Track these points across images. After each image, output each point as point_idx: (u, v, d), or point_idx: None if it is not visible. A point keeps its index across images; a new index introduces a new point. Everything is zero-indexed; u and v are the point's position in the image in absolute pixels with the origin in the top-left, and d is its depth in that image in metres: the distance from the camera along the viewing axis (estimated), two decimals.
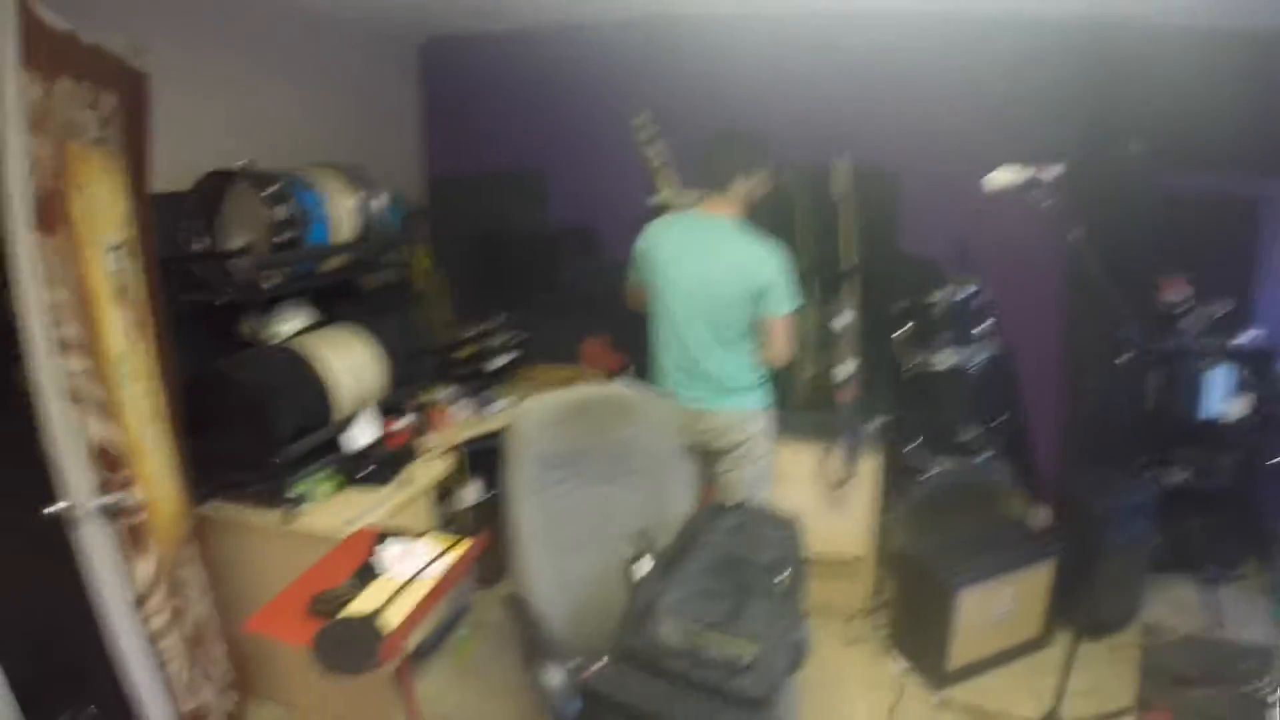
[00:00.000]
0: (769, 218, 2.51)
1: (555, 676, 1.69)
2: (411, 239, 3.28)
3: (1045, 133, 3.04)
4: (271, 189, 2.32)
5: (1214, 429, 3.17)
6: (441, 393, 3.10)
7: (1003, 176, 2.15)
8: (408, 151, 3.72)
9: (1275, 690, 2.28)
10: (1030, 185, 2.14)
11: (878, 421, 2.87)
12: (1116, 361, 2.48)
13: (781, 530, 2.05)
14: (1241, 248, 3.23)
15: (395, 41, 3.59)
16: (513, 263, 3.39)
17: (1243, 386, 3.11)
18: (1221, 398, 3.08)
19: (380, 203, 2.80)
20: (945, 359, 2.88)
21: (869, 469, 2.91)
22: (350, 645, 1.55)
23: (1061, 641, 2.83)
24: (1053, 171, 2.15)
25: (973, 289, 2.91)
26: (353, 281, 2.96)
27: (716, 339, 2.45)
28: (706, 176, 2.47)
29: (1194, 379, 3.07)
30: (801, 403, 2.93)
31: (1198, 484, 3.23)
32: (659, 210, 2.66)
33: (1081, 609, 2.84)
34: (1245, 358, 3.14)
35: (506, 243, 3.40)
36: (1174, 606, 3.14)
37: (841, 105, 3.20)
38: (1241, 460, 3.19)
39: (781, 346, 2.46)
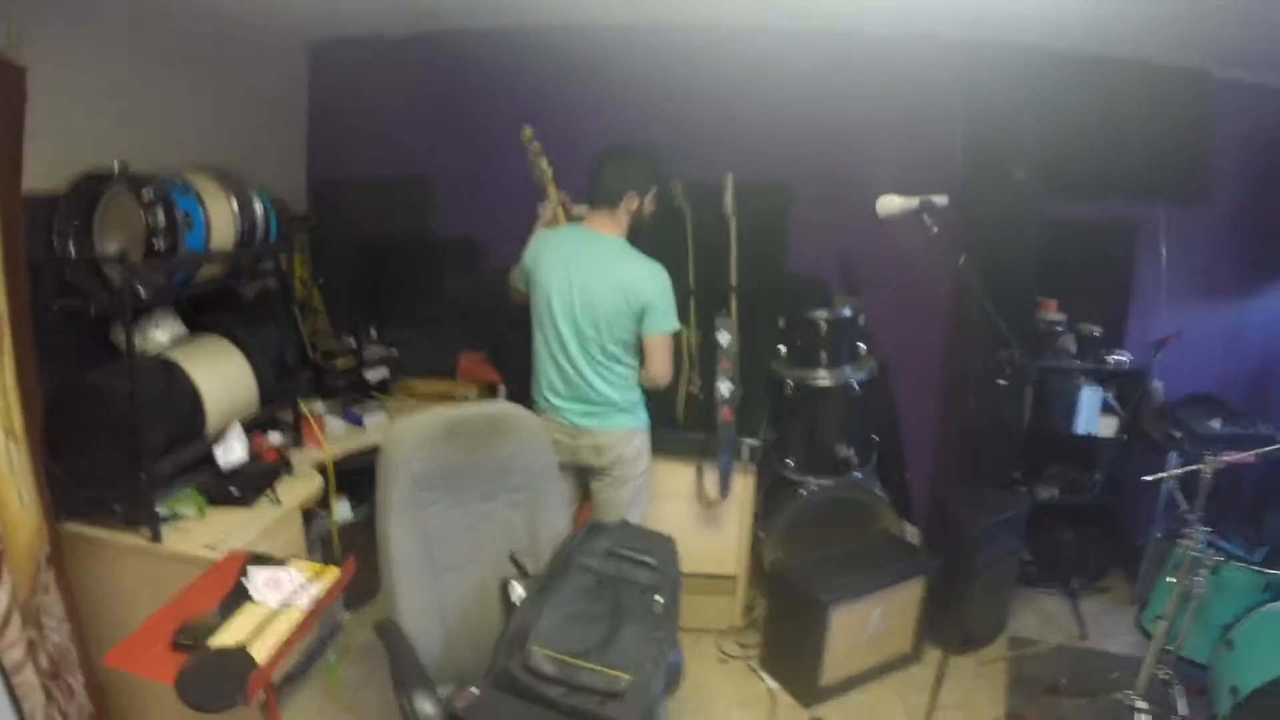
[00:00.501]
0: (659, 234, 2.50)
1: (427, 704, 1.65)
2: (291, 246, 3.16)
3: (932, 156, 3.07)
4: (148, 192, 2.20)
5: (1085, 446, 3.29)
6: (316, 406, 3.01)
7: (895, 202, 2.15)
8: (292, 155, 3.55)
9: (1140, 698, 2.36)
10: (921, 211, 2.15)
11: (756, 439, 2.87)
12: (998, 381, 2.52)
13: (658, 550, 2.05)
14: (1116, 271, 3.33)
15: (283, 40, 3.40)
16: (394, 273, 3.27)
17: (1113, 406, 3.22)
18: (1093, 416, 3.18)
19: (260, 208, 2.69)
20: (824, 377, 2.89)
21: (745, 487, 2.91)
22: (217, 680, 1.49)
23: (933, 657, 2.90)
24: (941, 199, 2.17)
25: (854, 309, 2.92)
26: (231, 290, 2.83)
27: (595, 357, 2.42)
28: (596, 193, 2.44)
29: (1068, 397, 3.17)
30: (680, 421, 2.90)
31: (1068, 499, 3.34)
32: (548, 223, 2.62)
33: (952, 624, 2.89)
34: (1115, 378, 3.25)
35: (388, 252, 3.29)
36: (1041, 618, 3.24)
37: (732, 122, 3.19)
38: (1110, 476, 3.31)
39: (660, 367, 2.45)
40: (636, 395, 2.54)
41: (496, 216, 2.85)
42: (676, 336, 2.52)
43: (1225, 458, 2.28)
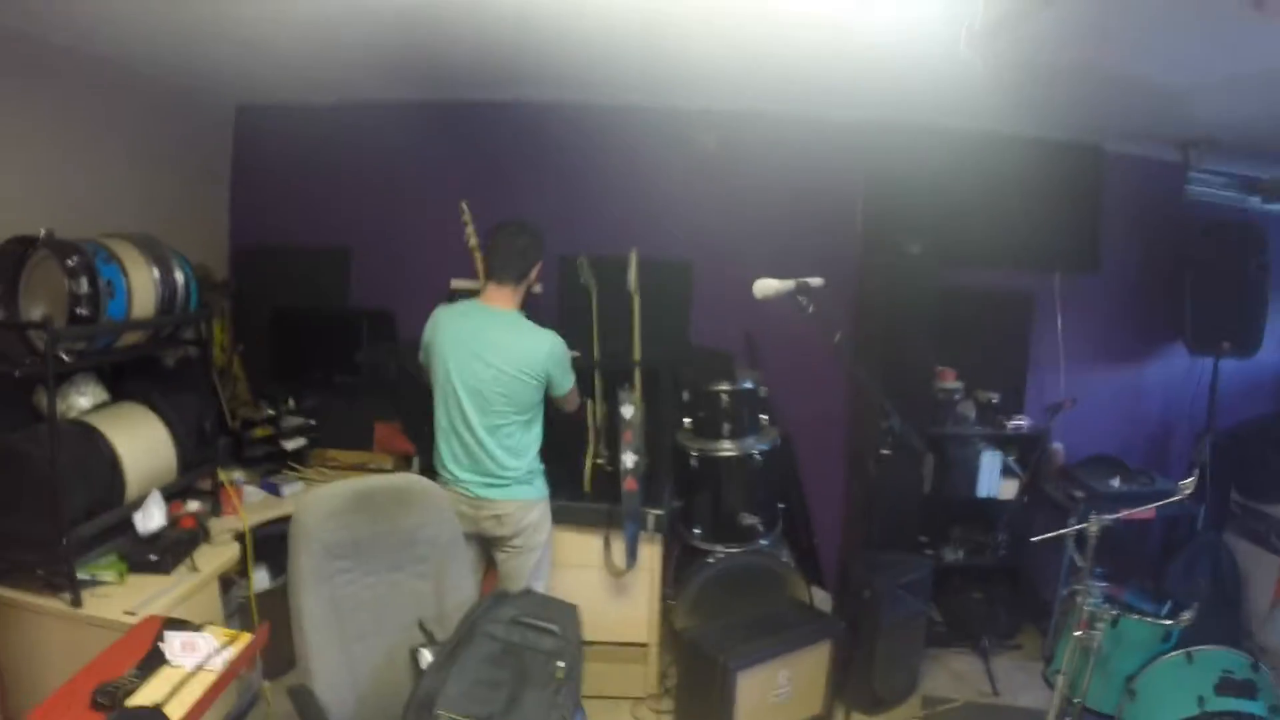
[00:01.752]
0: (565, 307, 2.56)
1: None
2: (211, 314, 3.19)
3: (832, 233, 3.19)
4: (73, 260, 2.22)
5: (988, 508, 3.38)
6: (235, 475, 3.02)
7: (769, 285, 2.23)
8: (214, 220, 3.57)
9: None
10: (796, 292, 2.23)
11: (660, 509, 2.92)
12: (882, 451, 2.60)
13: (561, 617, 2.07)
14: (1013, 339, 3.46)
15: (207, 106, 3.44)
16: (312, 341, 3.31)
17: (1013, 469, 3.33)
18: (993, 479, 3.28)
19: (181, 276, 2.73)
20: (728, 447, 2.96)
21: (652, 556, 2.94)
22: None
23: (841, 718, 2.94)
24: (817, 281, 2.25)
25: (755, 381, 3.00)
26: (152, 357, 2.85)
27: (498, 427, 2.48)
28: (501, 268, 2.51)
29: (968, 462, 3.26)
30: (586, 491, 2.96)
31: (973, 560, 3.43)
32: (461, 295, 2.70)
33: (860, 685, 2.95)
34: (1015, 442, 3.36)
35: (307, 320, 3.33)
36: (953, 677, 3.30)
37: (636, 198, 3.29)
38: (1013, 537, 3.40)
39: (571, 406, 2.69)
40: (536, 466, 2.61)
41: (411, 288, 2.91)
42: (582, 407, 2.62)
43: (1120, 514, 2.34)
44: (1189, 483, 2.23)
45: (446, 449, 2.55)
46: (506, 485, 2.52)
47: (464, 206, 2.78)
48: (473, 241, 2.75)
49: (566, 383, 2.59)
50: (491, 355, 2.45)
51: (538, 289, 2.72)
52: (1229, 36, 1.97)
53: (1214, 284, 3.39)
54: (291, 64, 2.92)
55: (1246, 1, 1.72)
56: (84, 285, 2.25)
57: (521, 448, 2.53)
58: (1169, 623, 2.53)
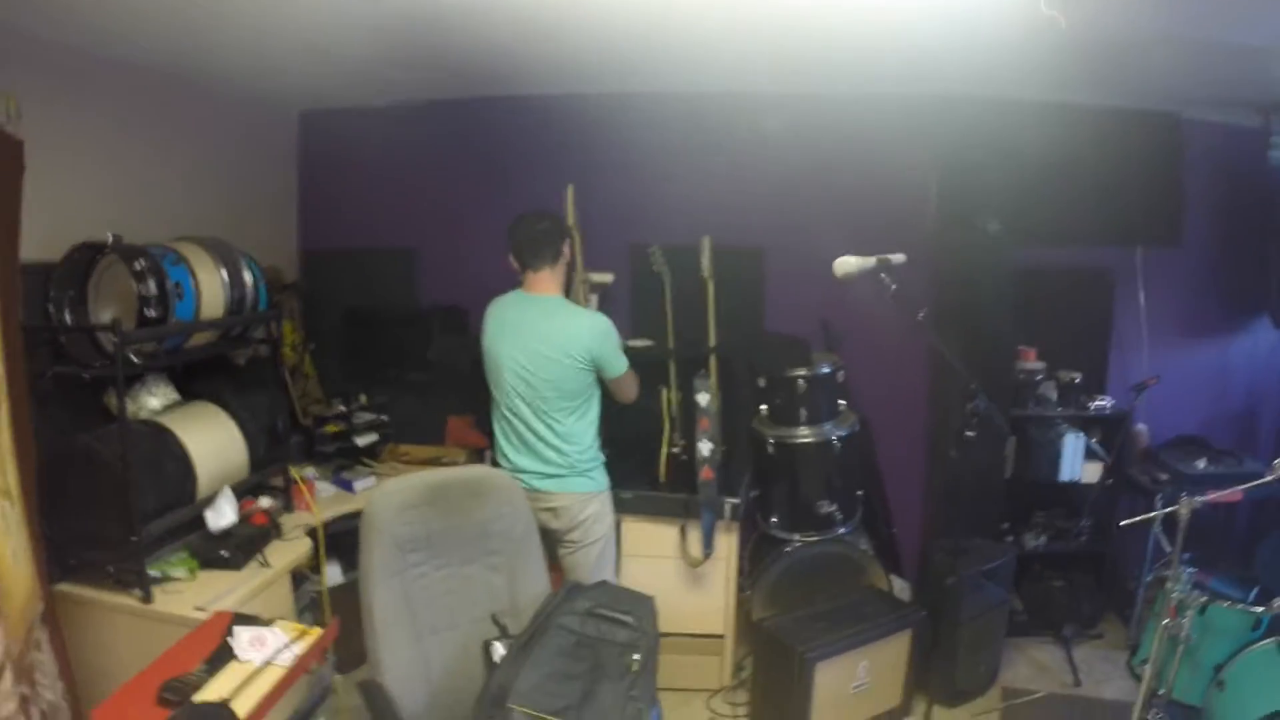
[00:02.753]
0: (639, 296, 2.53)
1: None
2: (281, 314, 3.22)
3: (905, 213, 3.12)
4: (140, 263, 2.28)
5: (1070, 493, 3.29)
6: (307, 471, 3.04)
7: (850, 263, 2.19)
8: (283, 224, 3.63)
9: None
10: (878, 270, 2.18)
11: (737, 498, 2.88)
12: (966, 434, 2.53)
13: (637, 609, 2.07)
14: (1094, 318, 3.35)
15: (272, 112, 3.50)
16: (383, 339, 3.35)
17: (1096, 451, 3.23)
18: (1076, 462, 3.18)
19: (250, 278, 2.77)
20: (805, 434, 2.91)
21: (729, 546, 2.91)
22: None
23: (924, 710, 2.87)
24: (899, 257, 2.20)
25: (832, 365, 2.94)
26: (222, 356, 2.90)
27: (550, 414, 2.47)
28: (536, 256, 2.50)
29: (1050, 445, 3.17)
30: (662, 481, 2.93)
31: (1056, 546, 3.33)
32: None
33: (941, 676, 2.89)
34: (1098, 424, 3.26)
35: (377, 319, 3.38)
36: (1034, 668, 3.21)
37: (707, 186, 3.25)
38: (1097, 522, 3.30)
39: (627, 394, 2.61)
40: (595, 455, 2.58)
41: (479, 285, 2.91)
42: (657, 396, 2.59)
43: (1208, 497, 2.26)
44: None
45: (504, 438, 2.58)
46: (563, 476, 2.51)
47: (569, 192, 2.81)
48: (571, 219, 2.78)
49: (618, 365, 2.53)
50: (534, 340, 2.45)
51: (608, 278, 2.69)
52: None
53: None
54: (351, 67, 2.93)
55: None
56: (152, 288, 2.30)
57: (575, 435, 2.51)
58: (1259, 609, 2.45)
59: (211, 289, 2.57)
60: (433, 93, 3.34)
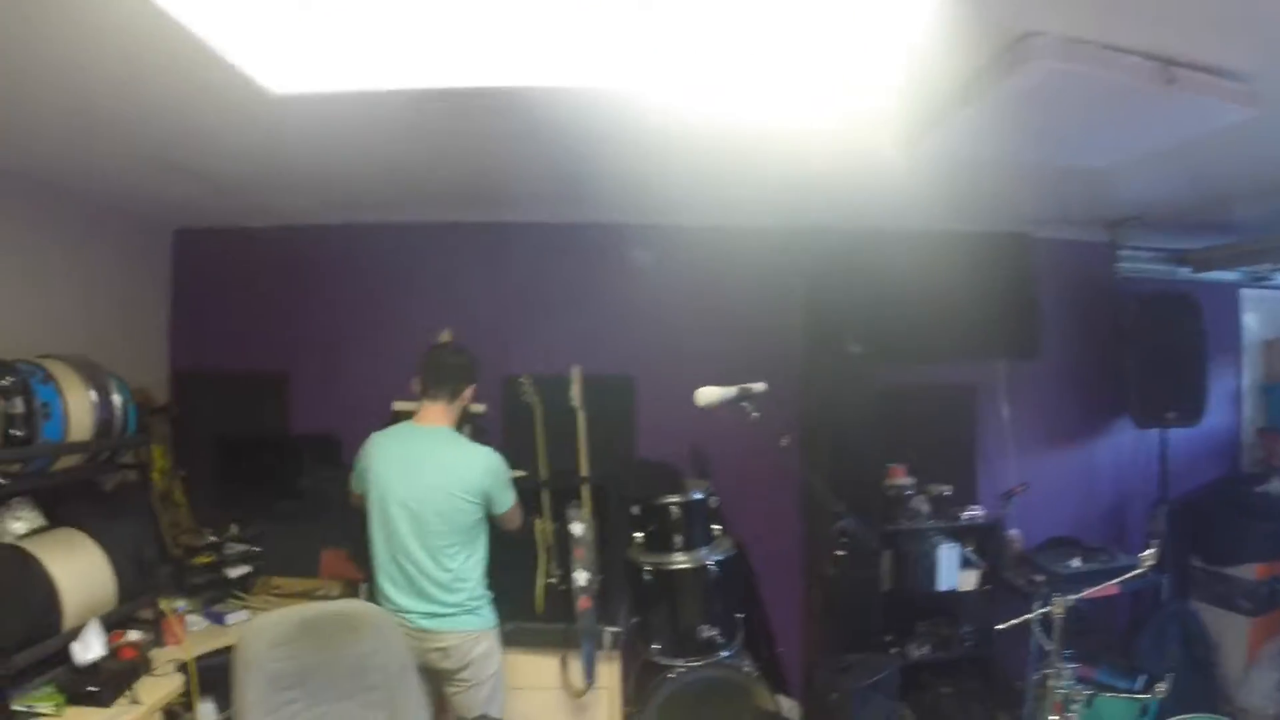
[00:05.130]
0: (509, 427, 2.54)
1: None
2: (150, 438, 3.13)
3: (772, 341, 3.24)
4: (7, 380, 2.21)
5: (950, 601, 3.35)
6: (177, 603, 2.92)
7: (712, 393, 2.23)
8: (153, 344, 3.53)
9: None
10: (740, 398, 2.23)
11: (617, 626, 2.86)
12: (836, 553, 2.57)
13: None
14: (960, 431, 3.50)
15: (146, 229, 3.45)
16: (254, 467, 3.28)
17: (971, 560, 3.31)
18: (952, 572, 3.25)
19: (119, 399, 2.68)
20: (681, 560, 2.90)
21: (611, 674, 2.87)
22: None
23: None
24: (760, 386, 2.25)
25: (704, 491, 2.96)
26: (89, 481, 2.79)
27: (434, 551, 2.41)
28: (436, 386, 2.50)
29: (925, 556, 3.24)
30: (540, 612, 2.89)
31: (940, 654, 3.37)
32: (403, 415, 2.66)
33: None
34: (971, 533, 3.35)
35: (248, 446, 3.31)
36: None
37: (577, 316, 3.33)
38: (978, 628, 3.36)
39: (512, 525, 2.61)
40: (483, 593, 2.53)
41: (353, 411, 2.89)
42: (530, 527, 2.59)
43: (1082, 594, 2.34)
44: (1150, 554, 2.24)
45: (386, 578, 2.48)
46: (451, 615, 2.44)
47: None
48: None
49: (506, 500, 2.53)
50: (427, 474, 2.41)
51: (481, 408, 2.69)
52: (1142, 117, 2.04)
53: (1154, 356, 3.47)
54: (231, 189, 2.94)
55: (1158, 78, 1.79)
56: (19, 405, 2.24)
57: (464, 574, 2.46)
58: (1145, 696, 2.55)
59: (80, 410, 2.50)
60: (309, 217, 3.35)
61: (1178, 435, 3.55)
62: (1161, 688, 2.47)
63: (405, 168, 2.66)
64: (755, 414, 2.22)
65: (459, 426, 2.58)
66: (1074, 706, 2.35)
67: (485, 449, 2.51)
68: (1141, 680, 2.97)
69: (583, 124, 2.17)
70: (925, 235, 3.24)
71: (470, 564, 2.48)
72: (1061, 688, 2.36)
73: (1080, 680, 2.45)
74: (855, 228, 3.20)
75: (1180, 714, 2.48)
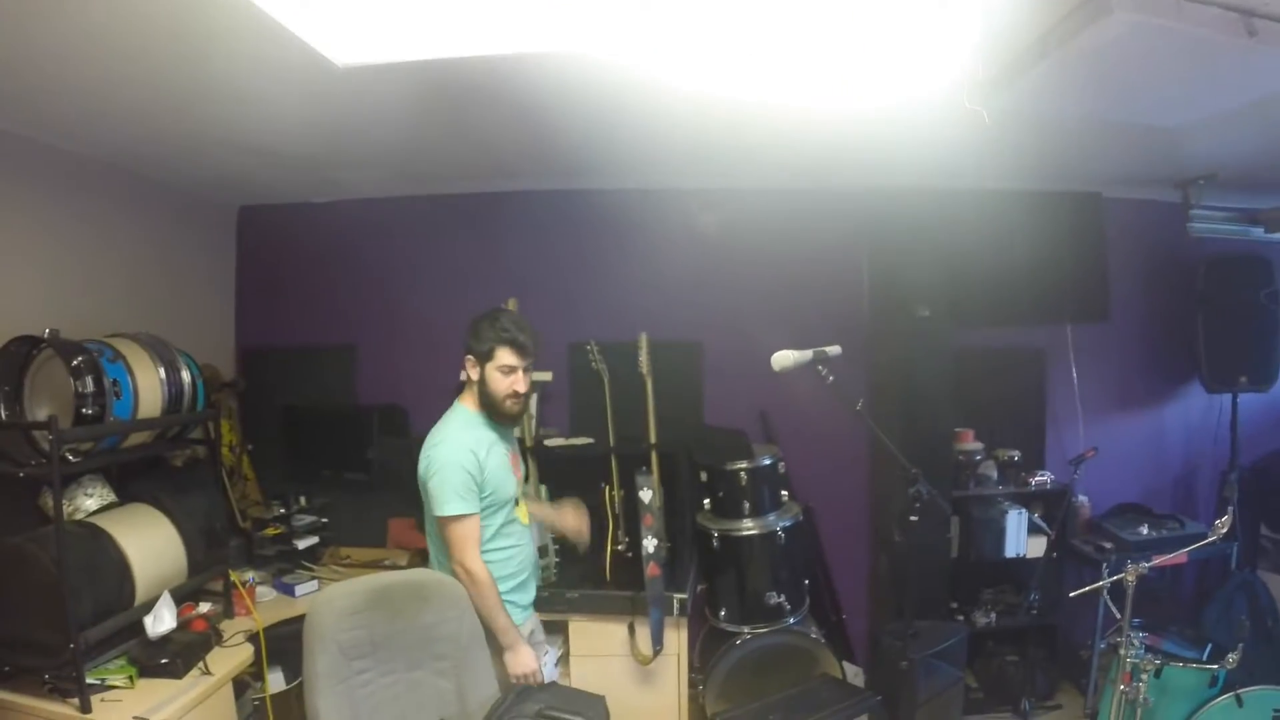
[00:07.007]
0: (577, 395, 2.52)
1: None
2: (219, 414, 3.17)
3: (839, 303, 3.19)
4: (77, 359, 2.24)
5: (1017, 568, 3.31)
6: (247, 575, 2.97)
7: (788, 357, 2.20)
8: (220, 321, 3.59)
9: None
10: (815, 362, 2.20)
11: (684, 593, 2.86)
12: (909, 518, 2.54)
13: (587, 709, 2.05)
14: (1029, 395, 3.43)
15: (211, 207, 3.49)
16: (322, 439, 3.30)
17: (1040, 526, 3.26)
18: (1021, 538, 3.21)
19: (188, 376, 2.72)
20: (749, 526, 2.91)
21: (678, 641, 2.88)
22: None
23: None
24: (835, 349, 2.22)
25: (773, 457, 2.96)
26: (159, 457, 2.84)
27: (430, 536, 2.29)
28: None
29: (993, 523, 3.20)
30: (607, 579, 2.91)
31: (1006, 622, 3.33)
32: None
33: None
34: (1039, 499, 3.30)
35: (316, 418, 3.34)
36: None
37: (643, 282, 3.30)
38: (1045, 595, 3.31)
39: (453, 551, 2.11)
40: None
41: (421, 382, 2.90)
42: (600, 494, 2.50)
43: (1153, 562, 2.31)
44: (1224, 522, 2.20)
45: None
46: None
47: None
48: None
49: (437, 505, 2.07)
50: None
51: (546, 376, 2.68)
52: (1220, 71, 1.97)
53: (1225, 319, 3.38)
54: (292, 165, 2.95)
55: (1239, 31, 1.72)
56: (89, 385, 2.27)
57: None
58: (1213, 667, 2.49)
59: (149, 388, 2.54)
60: (374, 191, 3.36)
61: (1248, 400, 3.43)
62: (1231, 658, 2.41)
63: (473, 136, 2.63)
64: (830, 377, 2.19)
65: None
66: (1143, 676, 2.34)
67: (441, 435, 2.15)
68: (1209, 650, 2.92)
69: (656, 93, 2.12)
70: (994, 195, 3.17)
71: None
72: (1131, 656, 2.34)
73: (1148, 650, 2.43)
74: (920, 187, 3.13)
75: (1249, 685, 2.42)
